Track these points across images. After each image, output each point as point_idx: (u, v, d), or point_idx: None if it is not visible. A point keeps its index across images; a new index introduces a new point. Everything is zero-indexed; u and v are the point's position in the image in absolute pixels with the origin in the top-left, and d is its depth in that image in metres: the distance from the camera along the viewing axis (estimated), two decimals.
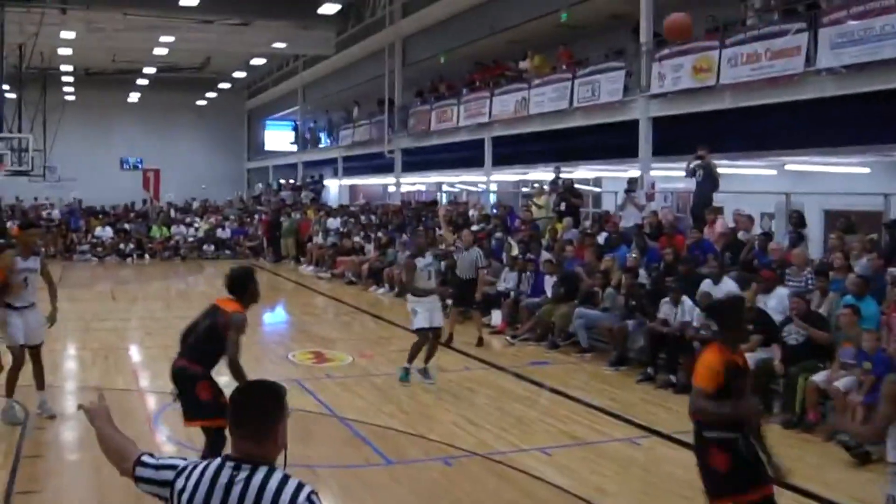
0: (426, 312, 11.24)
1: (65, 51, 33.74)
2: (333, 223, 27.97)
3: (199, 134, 47.18)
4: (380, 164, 31.12)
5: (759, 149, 16.47)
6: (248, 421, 3.03)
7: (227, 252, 31.30)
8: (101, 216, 33.08)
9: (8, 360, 9.24)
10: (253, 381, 3.52)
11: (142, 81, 41.87)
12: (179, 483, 3.05)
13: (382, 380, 11.77)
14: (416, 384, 11.45)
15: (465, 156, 25.80)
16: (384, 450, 8.67)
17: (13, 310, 9.15)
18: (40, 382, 9.53)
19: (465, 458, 8.40)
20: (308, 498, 2.90)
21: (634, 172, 17.92)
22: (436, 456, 8.58)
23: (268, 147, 43.92)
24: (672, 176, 18.25)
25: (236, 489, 2.91)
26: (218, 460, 3.02)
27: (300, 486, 2.92)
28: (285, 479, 2.94)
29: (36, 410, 9.51)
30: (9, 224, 30.84)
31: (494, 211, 21.90)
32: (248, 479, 2.92)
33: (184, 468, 3.09)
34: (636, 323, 12.42)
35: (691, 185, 15.87)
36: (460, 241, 15.24)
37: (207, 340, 6.86)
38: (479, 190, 27.80)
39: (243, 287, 6.84)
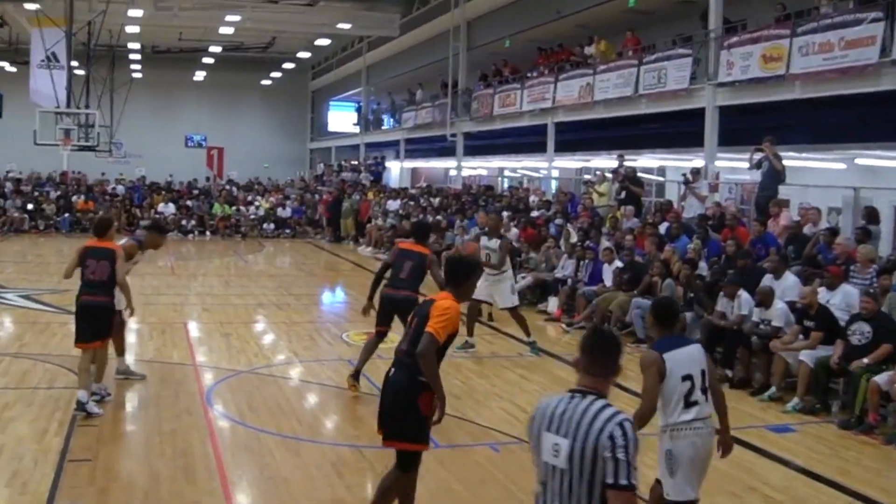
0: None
1: (132, 28, 34.17)
2: (393, 205, 27.99)
3: (263, 113, 47.52)
4: (442, 148, 31.05)
5: (828, 141, 16.10)
6: (599, 362, 3.76)
7: (288, 231, 31.52)
8: (164, 192, 33.49)
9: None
10: (601, 328, 4.39)
11: (207, 60, 42.27)
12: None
13: None
14: (467, 369, 11.39)
15: (527, 141, 25.63)
16: (432, 433, 8.60)
17: None
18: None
19: (513, 445, 8.31)
20: (620, 423, 3.56)
21: (699, 162, 17.60)
22: (484, 441, 8.51)
23: (331, 128, 44.10)
24: (737, 167, 17.90)
25: (569, 411, 3.64)
26: (564, 394, 3.75)
27: (616, 413, 3.61)
28: (607, 405, 3.64)
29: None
30: (73, 198, 31.48)
31: (554, 197, 21.70)
32: (578, 405, 3.65)
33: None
34: (694, 315, 12.18)
35: (757, 176, 15.53)
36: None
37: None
38: (541, 176, 27.59)
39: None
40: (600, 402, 3.63)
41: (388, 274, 9.88)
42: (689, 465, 5.38)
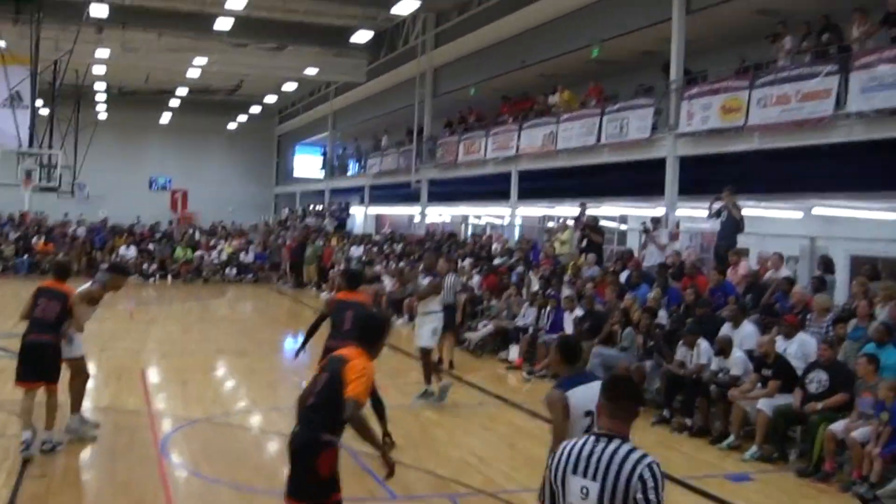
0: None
1: (99, 69, 34.14)
2: (356, 251, 27.96)
3: (229, 157, 47.54)
4: (406, 194, 31.14)
5: (785, 191, 16.31)
6: (622, 407, 3.90)
7: (250, 276, 31.35)
8: (126, 235, 33.22)
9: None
10: (621, 376, 4.36)
11: (174, 103, 42.30)
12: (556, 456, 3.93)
13: (392, 412, 11.61)
14: (426, 419, 11.32)
15: (491, 189, 25.76)
16: (390, 483, 8.53)
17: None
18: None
19: (473, 497, 8.24)
20: (648, 465, 3.70)
21: (660, 211, 17.76)
22: (443, 492, 8.43)
23: (296, 173, 44.18)
24: (697, 216, 18.09)
25: (596, 454, 3.76)
26: (587, 437, 3.89)
27: (644, 455, 3.74)
28: (634, 449, 3.76)
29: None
30: (33, 240, 31.16)
31: (516, 244, 21.80)
32: (605, 447, 3.77)
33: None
34: (653, 364, 12.22)
35: (716, 225, 15.70)
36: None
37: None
38: (504, 223, 27.71)
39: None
40: (627, 446, 3.78)
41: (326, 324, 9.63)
42: None
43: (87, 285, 9.80)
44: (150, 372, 14.11)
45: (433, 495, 8.39)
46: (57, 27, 27.07)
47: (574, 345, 5.86)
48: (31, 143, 26.89)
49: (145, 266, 30.52)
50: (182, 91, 39.76)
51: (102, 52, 30.68)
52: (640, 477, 3.66)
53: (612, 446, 3.77)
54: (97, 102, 41.67)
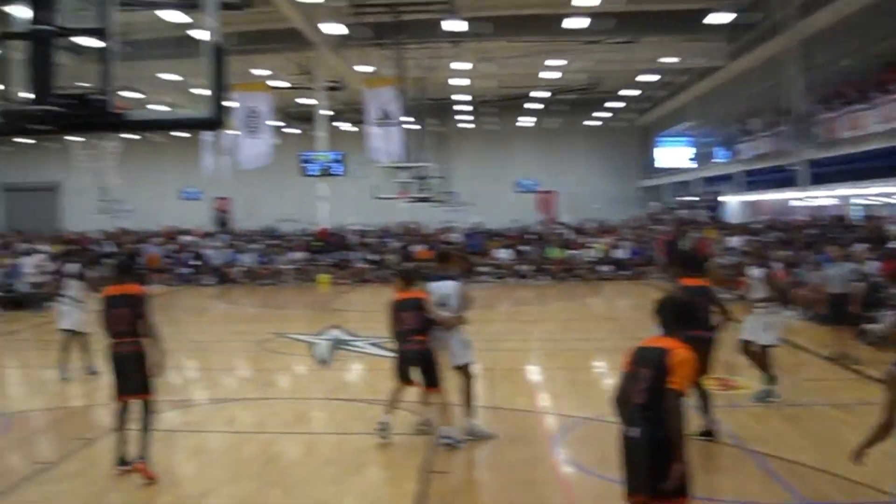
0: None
1: (458, 81, 35.48)
2: (733, 242, 26.64)
3: (591, 154, 47.56)
4: (783, 178, 29.22)
5: None
6: None
7: (624, 272, 30.93)
8: (498, 238, 34.15)
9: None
10: None
11: (532, 105, 43.00)
12: None
13: (794, 410, 10.66)
14: (832, 417, 10.27)
15: (879, 165, 23.43)
16: (798, 487, 7.75)
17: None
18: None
19: None
20: None
21: None
22: (861, 499, 7.51)
23: (661, 164, 43.20)
24: None
25: None
26: None
27: None
28: None
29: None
30: (413, 248, 32.91)
31: None
32: None
33: None
34: None
35: None
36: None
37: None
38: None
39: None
40: None
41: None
42: None
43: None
44: (536, 371, 14.12)
45: (848, 503, 7.47)
46: (417, 47, 28.43)
47: None
48: (404, 158, 28.47)
49: (520, 267, 31.13)
50: (540, 93, 40.33)
51: (460, 65, 31.84)
52: None
53: None
54: (460, 113, 43.42)
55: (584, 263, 31.47)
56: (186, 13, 23.21)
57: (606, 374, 14.00)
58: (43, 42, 4.04)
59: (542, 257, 31.80)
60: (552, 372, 14.06)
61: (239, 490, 8.13)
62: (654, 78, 38.16)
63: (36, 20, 4.05)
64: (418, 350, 9.34)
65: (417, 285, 9.75)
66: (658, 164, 42.67)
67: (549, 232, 35.58)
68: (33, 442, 10.33)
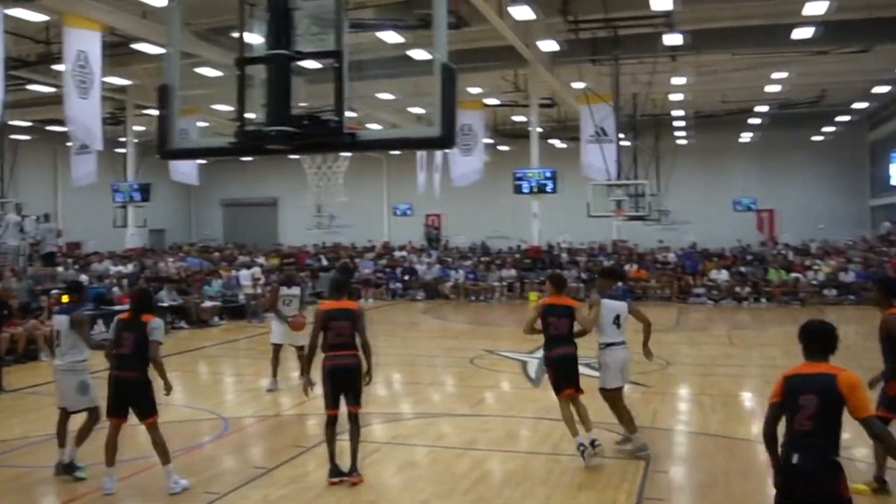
0: None
1: (676, 96, 34.71)
2: None
3: (816, 171, 45.11)
4: None
5: None
6: None
7: (851, 297, 29.13)
8: (716, 259, 33.10)
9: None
10: None
11: (754, 120, 41.43)
12: None
13: None
14: None
15: None
16: None
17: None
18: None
19: None
20: None
21: None
22: None
23: (894, 181, 40.51)
24: None
25: None
26: None
27: None
28: None
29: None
30: (626, 267, 32.40)
31: None
32: None
33: None
34: None
35: None
36: None
37: None
38: None
39: None
40: None
41: None
42: None
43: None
44: (755, 399, 13.48)
45: None
46: (634, 62, 27.98)
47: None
48: (618, 175, 28.07)
49: (738, 289, 30.01)
50: (761, 108, 38.81)
51: (678, 80, 31.14)
52: None
53: None
54: (676, 129, 42.42)
55: (808, 287, 29.94)
56: (403, 34, 23.88)
57: None
58: (280, 66, 4.18)
59: (763, 279, 30.51)
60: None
61: None
62: (887, 89, 35.88)
63: (273, 45, 4.20)
64: (564, 355, 9.50)
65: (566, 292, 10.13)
66: (893, 181, 40.02)
67: (770, 253, 34.16)
68: (251, 447, 10.81)
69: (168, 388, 8.58)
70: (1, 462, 9.87)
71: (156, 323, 8.52)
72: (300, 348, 13.66)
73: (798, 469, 5.18)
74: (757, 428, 11.24)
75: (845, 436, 5.24)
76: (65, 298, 9.94)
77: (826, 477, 5.12)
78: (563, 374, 9.45)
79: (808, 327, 5.71)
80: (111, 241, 36.09)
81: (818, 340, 5.58)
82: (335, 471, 8.74)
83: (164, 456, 8.47)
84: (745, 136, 44.39)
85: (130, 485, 8.62)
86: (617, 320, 9.69)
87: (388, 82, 29.68)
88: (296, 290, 14.05)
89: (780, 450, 5.34)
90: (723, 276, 30.71)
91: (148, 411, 8.41)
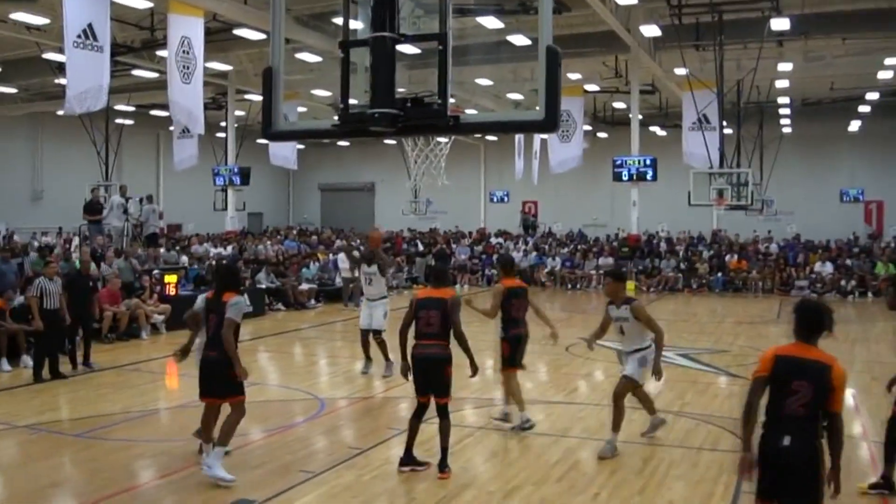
0: None
1: (781, 83, 33.77)
2: None
3: None
4: None
5: None
6: None
7: None
8: (820, 251, 32.22)
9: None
10: None
11: (863, 108, 40.01)
12: None
13: None
14: None
15: None
16: None
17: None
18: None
19: None
20: None
21: None
22: None
23: None
24: None
25: None
26: None
27: None
28: None
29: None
30: (726, 258, 31.74)
31: None
32: None
33: None
34: None
35: None
36: None
37: None
38: None
39: None
40: None
41: None
42: None
43: None
44: (861, 396, 13.08)
45: None
46: (738, 47, 27.29)
47: None
48: (721, 164, 27.49)
49: (843, 282, 29.15)
50: (872, 95, 37.45)
51: (784, 66, 30.26)
52: None
53: None
54: (781, 117, 41.24)
55: None
56: (503, 19, 23.76)
57: None
58: (385, 48, 4.18)
59: (870, 273, 29.56)
60: (879, 398, 12.96)
61: (543, 493, 8.13)
62: None
63: (378, 28, 4.20)
64: (520, 334, 10.28)
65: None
66: None
67: (878, 246, 33.08)
68: (345, 428, 10.95)
69: (243, 374, 8.21)
70: (102, 435, 10.19)
71: (234, 300, 8.25)
72: (377, 333, 13.79)
73: (789, 451, 5.34)
74: (859, 425, 10.94)
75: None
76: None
77: (814, 461, 5.32)
78: (520, 352, 10.30)
79: (802, 306, 5.76)
80: (211, 224, 36.98)
81: (812, 321, 5.62)
82: (405, 459, 8.67)
83: (224, 437, 8.26)
84: (854, 125, 42.90)
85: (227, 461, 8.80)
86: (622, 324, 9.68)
87: (488, 68, 29.59)
88: (374, 269, 13.86)
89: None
90: (827, 268, 29.87)
91: (228, 392, 8.27)
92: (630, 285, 29.57)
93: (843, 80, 34.83)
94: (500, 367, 10.53)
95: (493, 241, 37.61)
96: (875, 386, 13.84)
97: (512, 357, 10.23)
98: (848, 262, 30.52)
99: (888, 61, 30.13)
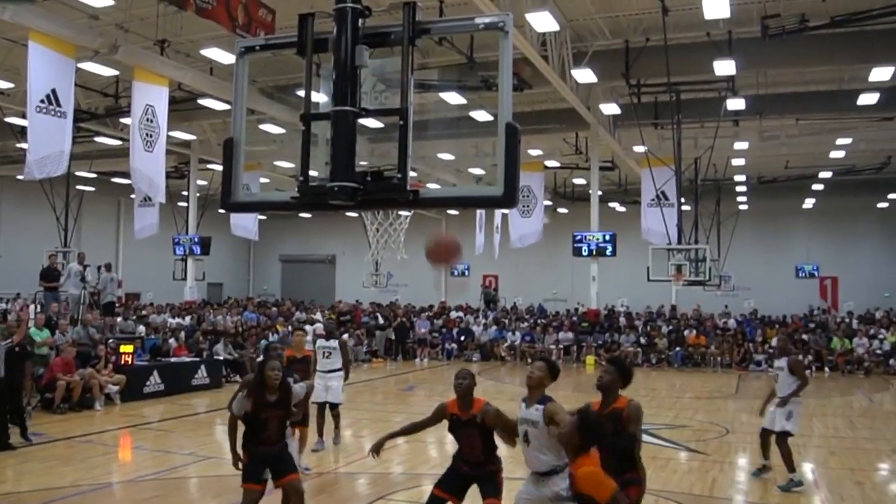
0: None
1: (738, 161, 34.53)
2: None
3: (881, 238, 44.14)
4: None
5: None
6: None
7: None
8: (777, 326, 32.52)
9: None
10: None
11: (816, 186, 40.88)
12: None
13: None
14: None
15: None
16: None
17: None
18: None
19: None
20: None
21: None
22: None
23: None
24: None
25: None
26: None
27: None
28: None
29: None
30: (685, 332, 31.92)
31: None
32: None
33: None
34: None
35: None
36: None
37: None
38: None
39: None
40: None
41: None
42: None
43: None
44: (819, 471, 13.09)
45: None
46: (696, 126, 27.90)
47: None
48: (679, 240, 27.82)
49: (799, 357, 29.34)
50: (825, 173, 38.29)
51: (741, 145, 31.00)
52: None
53: None
54: (738, 194, 42.00)
55: (873, 356, 29.21)
56: (465, 95, 24.08)
57: None
58: (346, 122, 4.21)
59: (826, 348, 29.85)
60: (837, 472, 12.99)
61: None
62: None
63: (339, 102, 4.23)
64: None
65: None
66: None
67: (833, 321, 33.48)
68: None
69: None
70: None
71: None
72: (333, 406, 13.65)
73: None
74: (819, 500, 10.92)
75: None
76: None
77: None
78: None
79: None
80: (170, 294, 36.58)
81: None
82: None
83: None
84: (809, 202, 43.77)
85: None
86: None
87: (450, 142, 29.94)
88: (334, 343, 13.73)
89: None
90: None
91: None
92: (590, 360, 29.62)
93: (797, 159, 35.67)
94: None
95: (454, 314, 37.53)
96: (833, 461, 13.90)
97: None
98: (804, 336, 30.80)
99: (840, 141, 30.91)
